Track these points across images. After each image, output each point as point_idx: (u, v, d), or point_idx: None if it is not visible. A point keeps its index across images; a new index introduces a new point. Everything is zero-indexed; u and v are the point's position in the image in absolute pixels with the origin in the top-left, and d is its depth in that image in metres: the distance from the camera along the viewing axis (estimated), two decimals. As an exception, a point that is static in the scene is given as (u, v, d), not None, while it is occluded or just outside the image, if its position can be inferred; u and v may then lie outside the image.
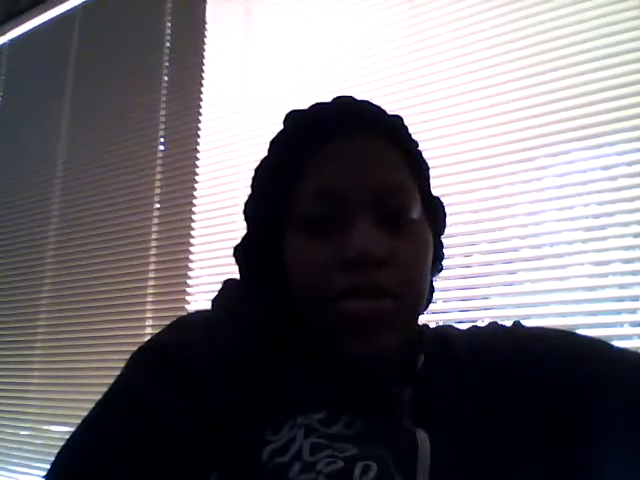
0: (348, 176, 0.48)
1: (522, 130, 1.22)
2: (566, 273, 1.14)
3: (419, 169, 0.54)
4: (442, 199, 0.58)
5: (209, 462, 0.42)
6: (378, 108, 0.54)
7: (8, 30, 2.41)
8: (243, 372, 0.46)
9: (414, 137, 0.56)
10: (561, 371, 0.48)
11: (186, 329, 0.50)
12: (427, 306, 0.57)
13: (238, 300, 0.54)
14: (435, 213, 0.56)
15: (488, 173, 1.24)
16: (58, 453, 0.43)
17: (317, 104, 0.54)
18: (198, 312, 0.54)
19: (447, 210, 0.58)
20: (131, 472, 0.41)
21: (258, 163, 0.56)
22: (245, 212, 0.57)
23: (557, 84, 1.20)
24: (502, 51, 1.28)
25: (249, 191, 0.57)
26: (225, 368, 0.46)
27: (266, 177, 0.55)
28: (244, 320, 0.51)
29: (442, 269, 0.59)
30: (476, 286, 1.22)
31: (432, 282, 0.58)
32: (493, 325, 0.57)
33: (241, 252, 0.57)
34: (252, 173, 0.57)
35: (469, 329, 0.58)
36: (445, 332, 0.57)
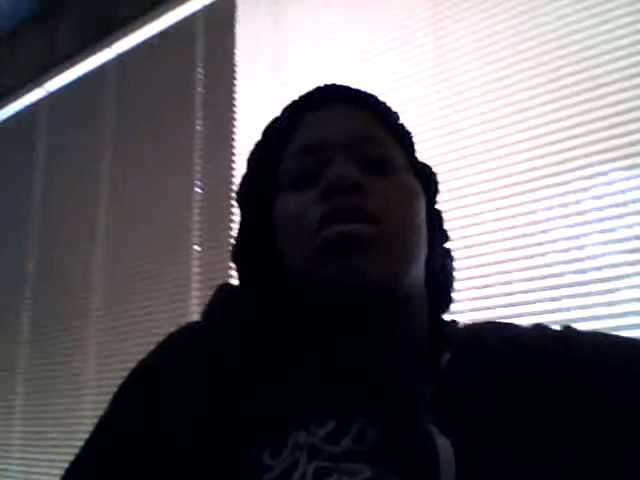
0: (328, 131, 0.51)
1: (557, 153, 1.21)
2: (614, 297, 1.10)
3: (402, 135, 0.56)
4: (432, 166, 0.58)
5: None
6: (363, 89, 0.57)
7: (46, 81, 2.49)
8: (229, 383, 0.44)
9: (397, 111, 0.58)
10: (622, 375, 0.44)
11: (169, 347, 0.50)
12: (448, 300, 0.56)
13: (225, 306, 0.52)
14: (425, 177, 0.55)
15: (524, 198, 1.23)
16: None
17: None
18: (188, 324, 0.53)
19: (439, 178, 0.58)
20: None
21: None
22: (237, 195, 0.59)
23: (591, 104, 1.19)
24: (536, 73, 1.27)
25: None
26: (207, 382, 0.44)
27: (257, 156, 0.57)
28: (230, 327, 0.49)
29: (447, 240, 0.57)
30: (520, 315, 1.20)
31: (447, 262, 0.56)
32: (540, 326, 0.53)
33: (237, 251, 0.56)
34: None
35: (511, 326, 0.53)
36: (481, 329, 0.53)
